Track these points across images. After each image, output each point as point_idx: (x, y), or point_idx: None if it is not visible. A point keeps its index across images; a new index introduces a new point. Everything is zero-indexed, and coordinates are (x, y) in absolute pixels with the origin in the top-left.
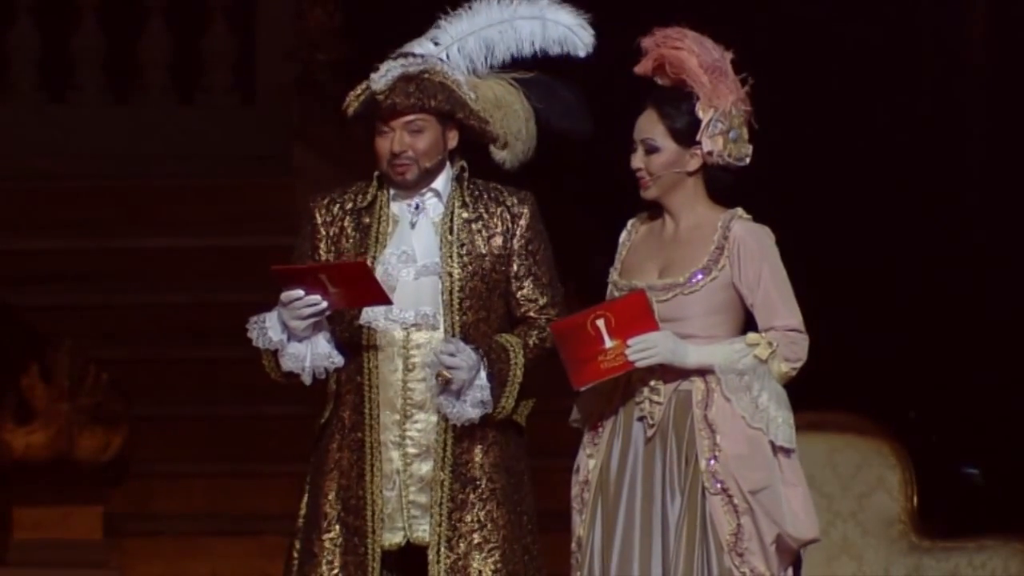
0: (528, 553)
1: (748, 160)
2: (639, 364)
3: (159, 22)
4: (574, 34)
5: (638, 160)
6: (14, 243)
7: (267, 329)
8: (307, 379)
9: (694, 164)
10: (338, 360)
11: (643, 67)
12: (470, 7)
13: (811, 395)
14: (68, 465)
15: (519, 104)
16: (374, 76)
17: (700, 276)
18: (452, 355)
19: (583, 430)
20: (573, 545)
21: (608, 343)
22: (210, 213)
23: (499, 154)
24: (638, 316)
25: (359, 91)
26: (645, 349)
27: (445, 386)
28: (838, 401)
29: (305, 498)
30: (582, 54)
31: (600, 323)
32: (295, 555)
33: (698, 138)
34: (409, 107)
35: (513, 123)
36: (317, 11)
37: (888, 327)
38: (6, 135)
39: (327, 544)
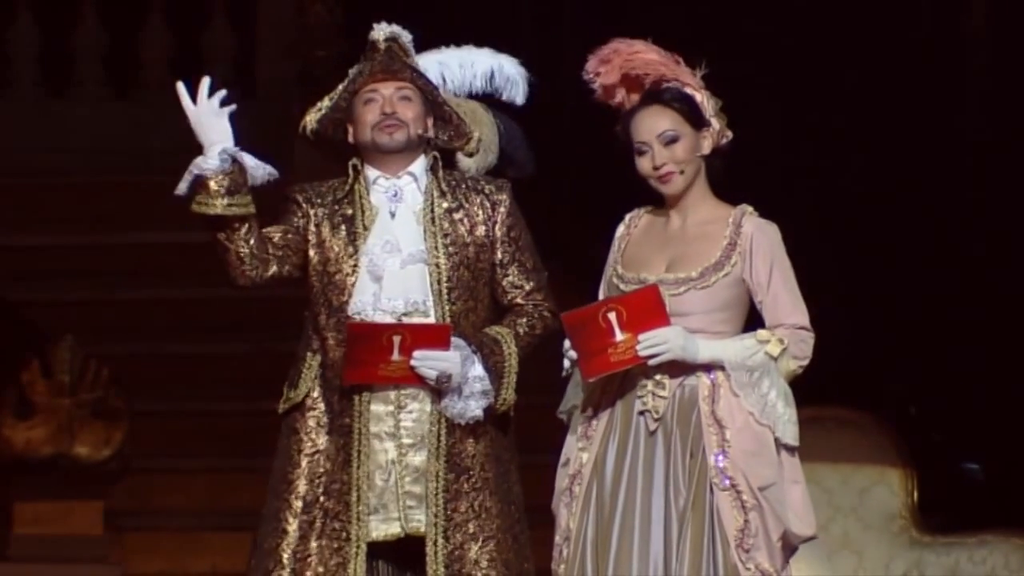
0: (517, 542)
1: (729, 137)
2: (650, 361)
3: (159, 17)
4: (519, 81)
5: (661, 156)
6: (14, 238)
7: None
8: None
9: (707, 146)
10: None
11: (610, 77)
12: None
13: (812, 390)
14: (68, 460)
15: (487, 119)
16: (375, 26)
17: (713, 272)
18: (433, 359)
19: (568, 423)
20: (558, 537)
21: (619, 336)
22: None
23: (466, 161)
24: (650, 310)
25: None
26: (656, 345)
27: (447, 384)
28: (839, 396)
29: (271, 477)
30: (520, 102)
31: (612, 316)
32: (258, 536)
33: (707, 117)
34: (401, 71)
35: (483, 131)
36: (317, 7)
37: (889, 323)
38: (6, 130)
39: (303, 524)
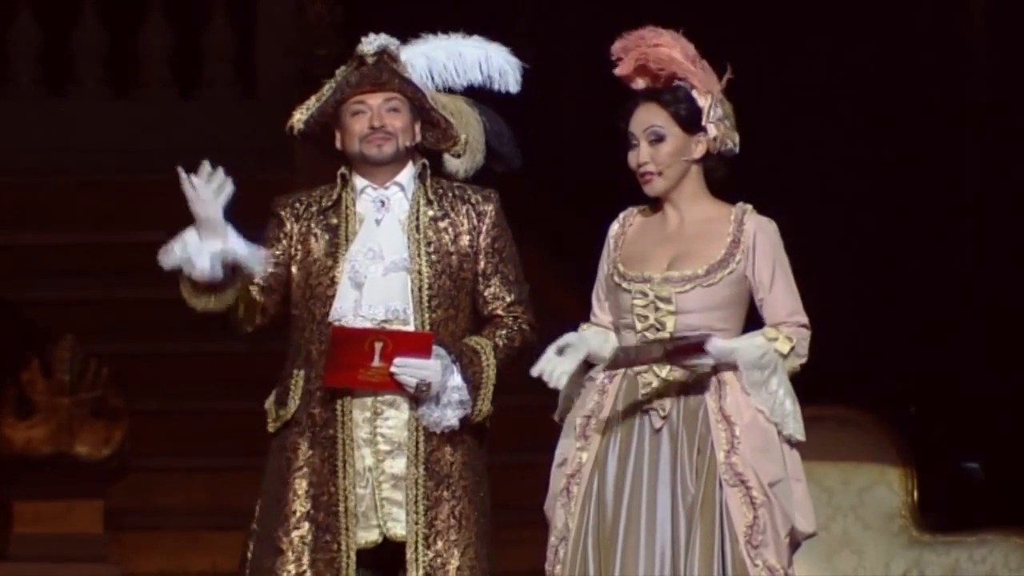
0: (490, 552)
1: (738, 148)
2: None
3: (159, 16)
4: (509, 70)
5: (644, 154)
6: (14, 238)
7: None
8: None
9: (699, 151)
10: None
11: (625, 68)
12: (420, 37)
13: (812, 389)
14: (69, 459)
15: (473, 118)
16: (363, 39)
17: (719, 269)
18: (413, 367)
19: (562, 423)
20: (553, 538)
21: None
22: None
23: (453, 162)
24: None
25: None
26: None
27: (426, 392)
28: (839, 395)
29: (263, 497)
30: (514, 90)
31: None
32: (249, 554)
33: (704, 123)
34: (389, 82)
35: (470, 131)
36: (317, 6)
37: (889, 321)
38: (6, 129)
39: (296, 541)
